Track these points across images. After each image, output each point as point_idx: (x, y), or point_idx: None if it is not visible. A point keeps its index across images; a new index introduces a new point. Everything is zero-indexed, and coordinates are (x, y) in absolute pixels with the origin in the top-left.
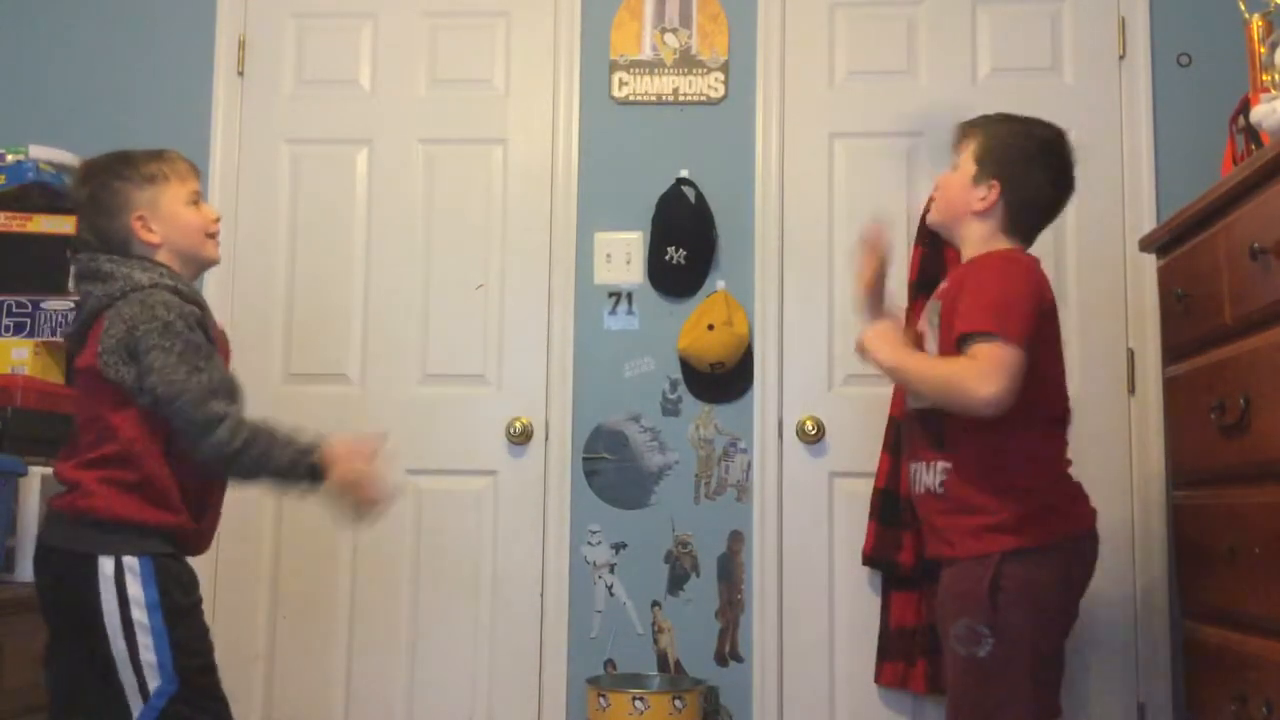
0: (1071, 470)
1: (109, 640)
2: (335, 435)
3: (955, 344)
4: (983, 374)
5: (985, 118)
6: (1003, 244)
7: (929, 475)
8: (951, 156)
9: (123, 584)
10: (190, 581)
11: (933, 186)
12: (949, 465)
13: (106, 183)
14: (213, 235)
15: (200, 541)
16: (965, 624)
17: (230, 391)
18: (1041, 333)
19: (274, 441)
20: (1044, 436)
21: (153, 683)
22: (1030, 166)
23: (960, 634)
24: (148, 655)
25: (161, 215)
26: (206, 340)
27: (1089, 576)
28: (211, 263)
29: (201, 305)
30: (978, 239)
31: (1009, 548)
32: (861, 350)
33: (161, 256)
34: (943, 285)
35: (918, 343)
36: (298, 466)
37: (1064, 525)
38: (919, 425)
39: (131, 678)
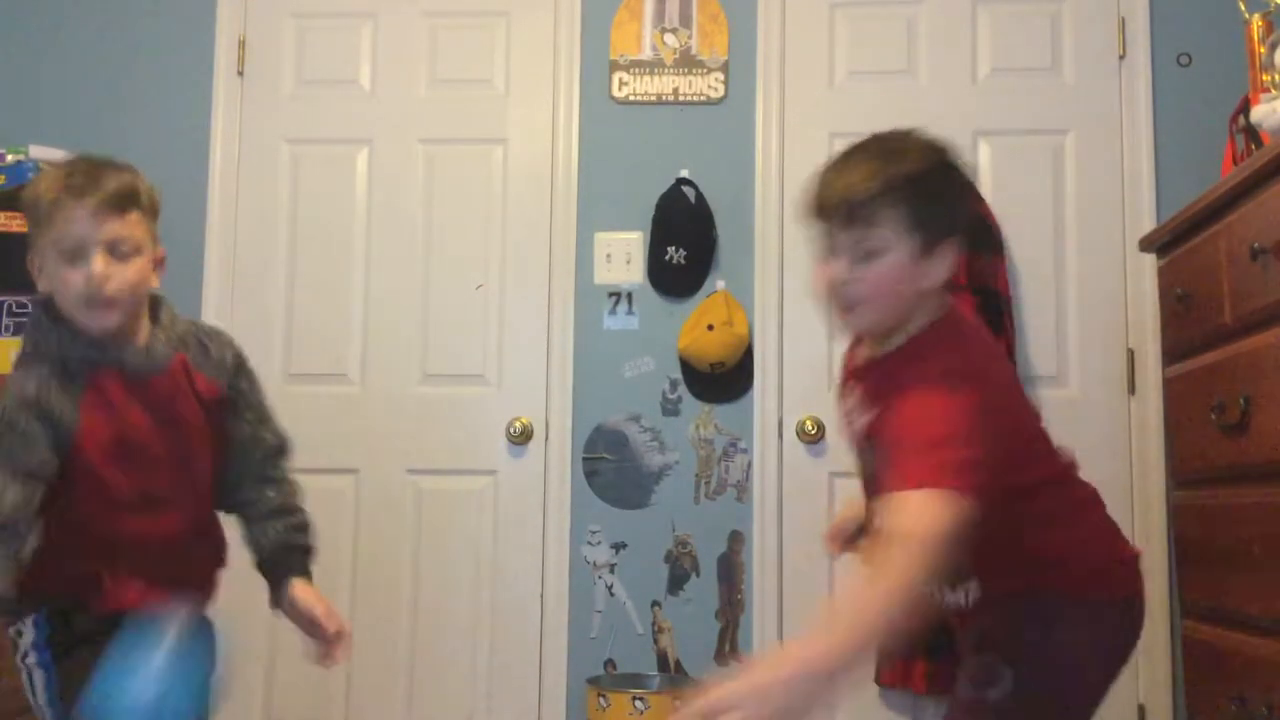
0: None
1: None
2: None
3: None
4: (913, 533)
5: (866, 170)
6: (933, 298)
7: (954, 596)
8: (846, 239)
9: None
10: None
11: (826, 286)
12: (975, 583)
13: (26, 200)
14: (97, 303)
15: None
16: (983, 660)
17: (19, 474)
18: (990, 404)
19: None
20: (1053, 499)
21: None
22: (963, 200)
23: (974, 671)
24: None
25: (44, 266)
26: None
27: (1133, 648)
28: (96, 331)
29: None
30: (921, 315)
31: (1057, 591)
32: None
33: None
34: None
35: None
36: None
37: (1112, 586)
38: None
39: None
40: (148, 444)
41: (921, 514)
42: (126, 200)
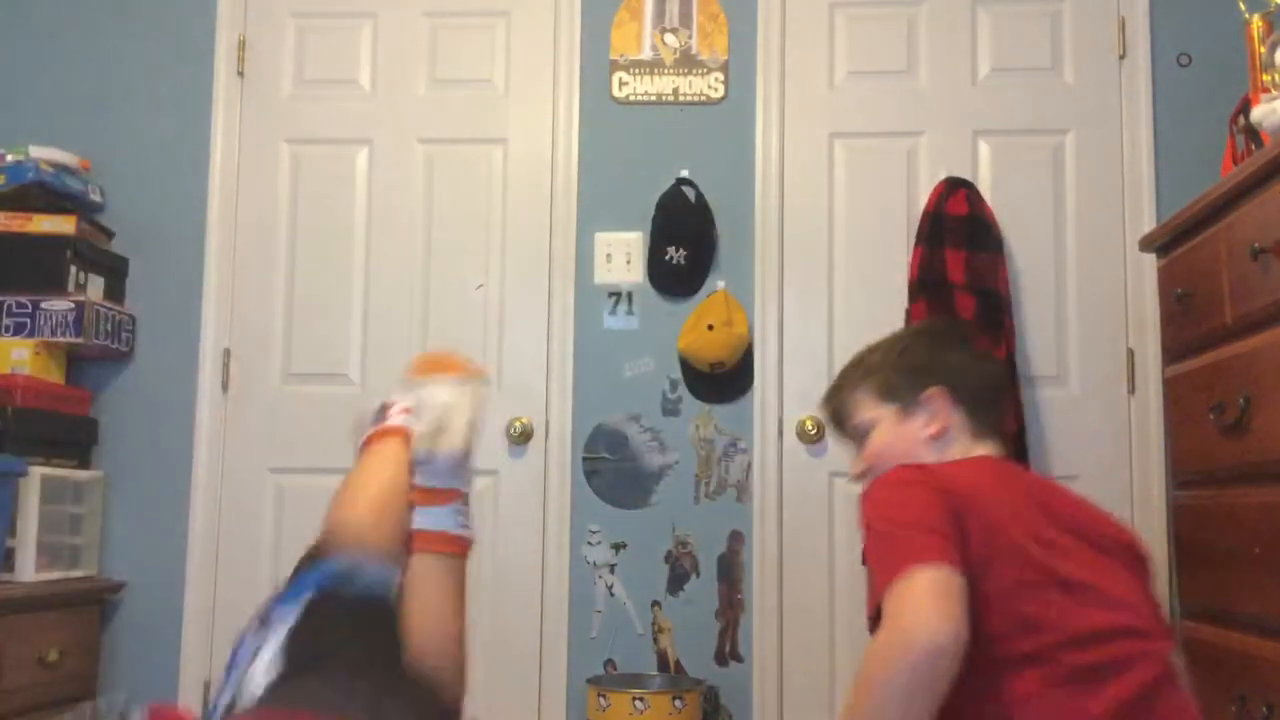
0: (1074, 478)
1: None
2: None
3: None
4: (898, 625)
5: (846, 376)
6: (981, 450)
7: None
8: (853, 445)
9: None
10: None
11: (856, 479)
12: None
13: None
14: None
15: None
16: None
17: None
18: (973, 539)
19: None
20: (1041, 696)
21: None
22: (940, 349)
23: None
24: None
25: None
26: None
27: None
28: None
29: None
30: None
31: None
32: None
33: None
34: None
35: None
36: None
37: None
38: None
39: None
40: None
41: (893, 599)
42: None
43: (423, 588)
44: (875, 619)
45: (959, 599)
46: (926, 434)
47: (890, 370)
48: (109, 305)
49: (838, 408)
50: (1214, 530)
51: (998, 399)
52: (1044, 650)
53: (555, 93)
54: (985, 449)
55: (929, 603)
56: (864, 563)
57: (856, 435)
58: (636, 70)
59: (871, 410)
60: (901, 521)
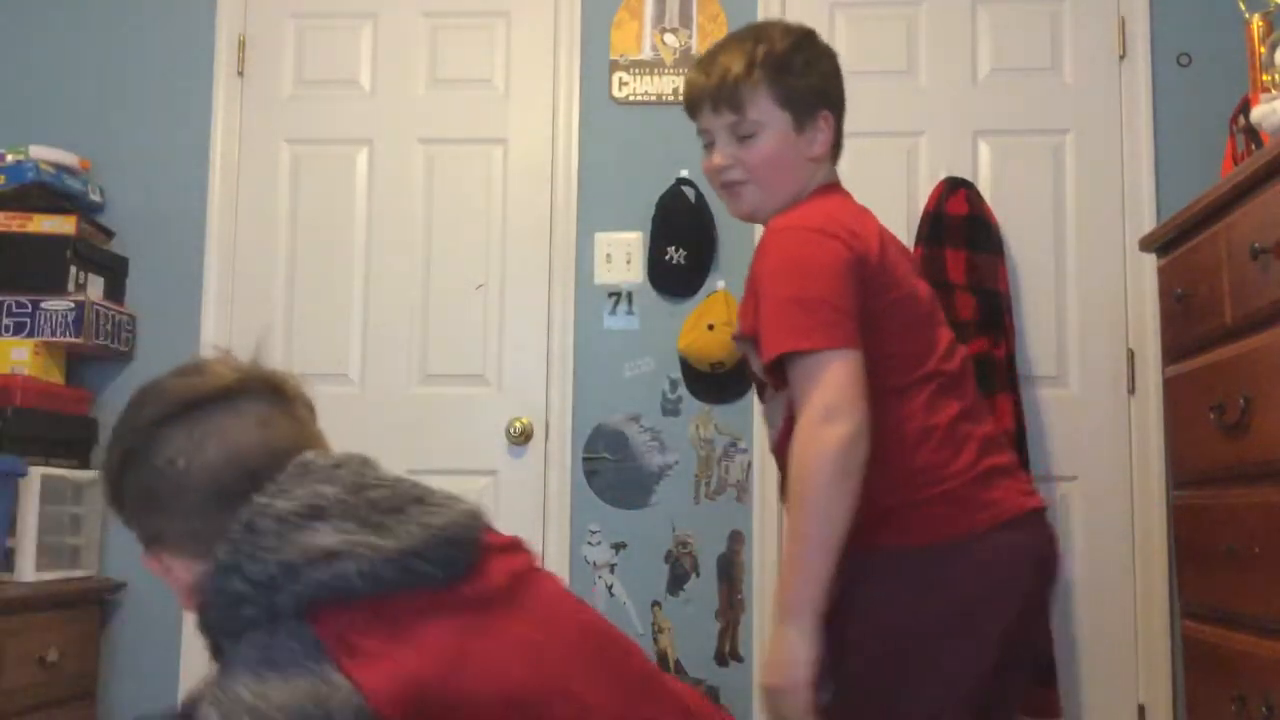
0: (1074, 478)
1: None
2: None
3: (767, 371)
4: (815, 423)
5: (735, 54)
6: (817, 173)
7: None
8: (721, 124)
9: None
10: None
11: (716, 172)
12: None
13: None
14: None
15: None
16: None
17: None
18: (868, 285)
19: None
20: (914, 404)
21: None
22: (836, 77)
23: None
24: None
25: None
26: None
27: (1018, 592)
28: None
29: None
30: (803, 182)
31: (878, 547)
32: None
33: None
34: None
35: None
36: None
37: (961, 519)
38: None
39: None
40: None
41: (828, 390)
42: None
43: None
44: (742, 339)
45: (864, 380)
46: (811, 153)
47: (796, 80)
48: (109, 305)
49: (729, 91)
50: (1214, 530)
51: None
52: (931, 372)
53: (555, 93)
54: (835, 175)
55: (851, 389)
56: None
57: (737, 129)
58: (636, 70)
59: (767, 113)
60: (816, 295)
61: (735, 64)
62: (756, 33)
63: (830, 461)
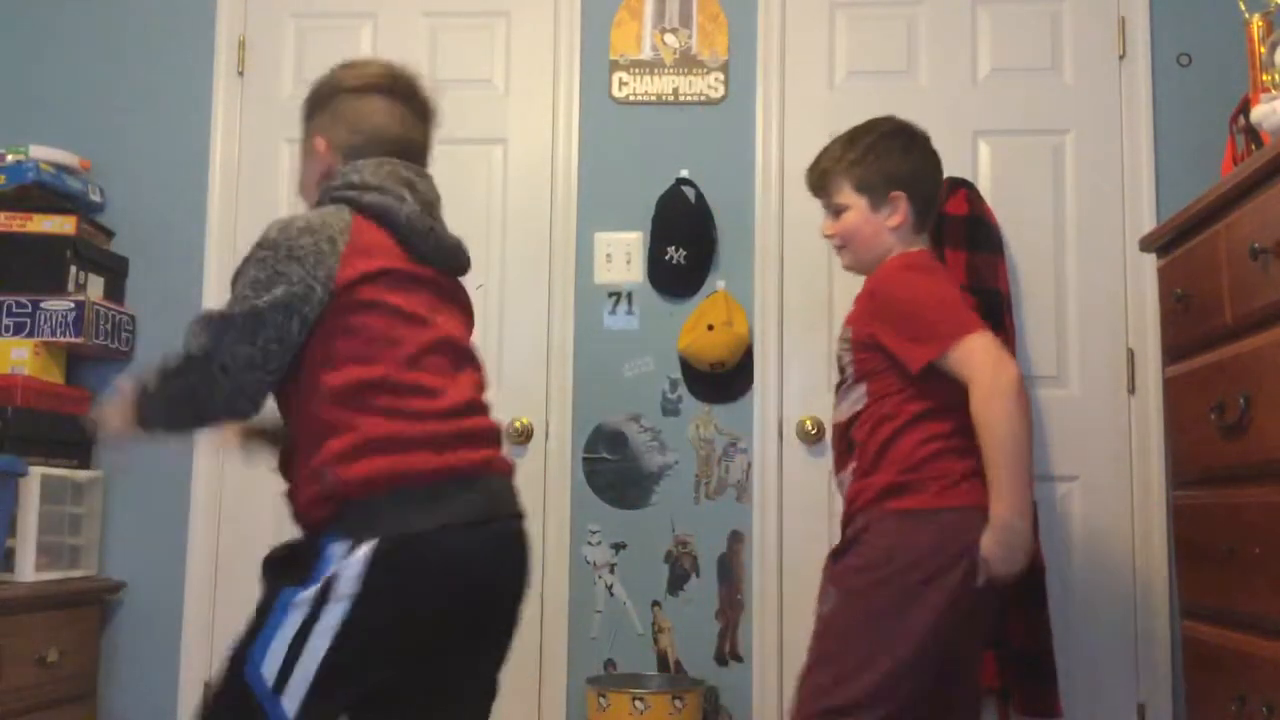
0: (1074, 478)
1: None
2: None
3: (919, 376)
4: (993, 372)
5: (829, 154)
6: (904, 244)
7: (843, 475)
8: (823, 206)
9: None
10: None
11: (827, 238)
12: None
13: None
14: None
15: None
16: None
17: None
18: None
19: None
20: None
21: None
22: (911, 162)
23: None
24: None
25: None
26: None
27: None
28: None
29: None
30: (887, 251)
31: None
32: None
33: None
34: (850, 312)
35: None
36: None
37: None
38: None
39: None
40: None
41: (985, 357)
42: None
43: None
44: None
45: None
46: (889, 225)
47: (867, 169)
48: (109, 305)
49: (820, 183)
50: (1214, 530)
51: (934, 202)
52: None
53: (555, 93)
54: (921, 243)
55: (1003, 352)
56: (865, 324)
57: (830, 209)
58: (636, 70)
59: (848, 197)
60: (941, 298)
61: (825, 160)
62: (852, 132)
63: (1017, 395)
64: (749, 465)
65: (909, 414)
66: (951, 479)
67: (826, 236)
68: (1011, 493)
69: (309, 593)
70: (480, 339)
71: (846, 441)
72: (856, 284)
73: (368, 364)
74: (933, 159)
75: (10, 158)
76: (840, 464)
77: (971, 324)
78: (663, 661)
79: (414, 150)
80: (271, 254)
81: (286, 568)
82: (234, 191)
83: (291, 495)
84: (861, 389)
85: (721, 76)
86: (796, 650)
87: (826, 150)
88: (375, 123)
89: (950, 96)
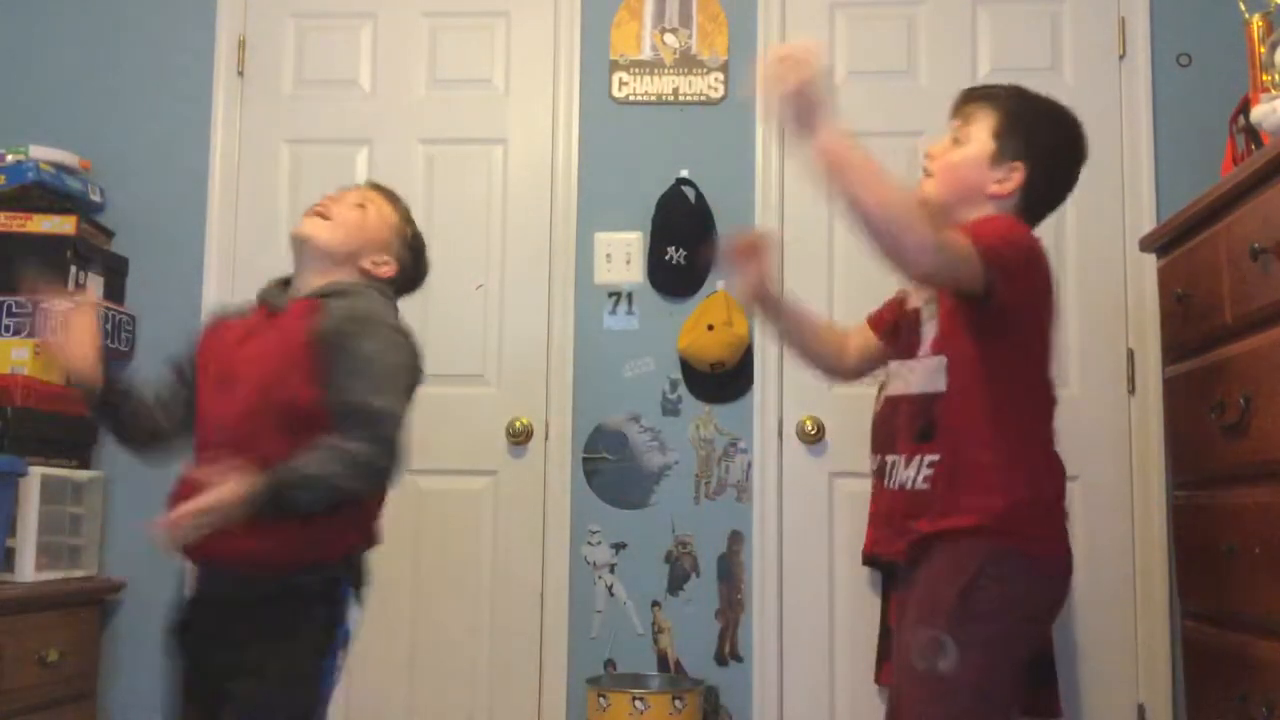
0: (1074, 479)
1: None
2: None
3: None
4: (941, 238)
5: (1003, 88)
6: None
7: (909, 470)
8: (952, 125)
9: None
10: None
11: (924, 156)
12: (936, 459)
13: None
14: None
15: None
16: (926, 633)
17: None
18: (1044, 304)
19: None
20: (1040, 421)
21: None
22: (1058, 156)
23: (921, 644)
24: None
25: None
26: None
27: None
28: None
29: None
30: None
31: (996, 549)
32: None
33: None
34: None
35: (911, 323)
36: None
37: (1052, 534)
38: (902, 414)
39: None
40: None
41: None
42: None
43: None
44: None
45: (969, 262)
46: (993, 188)
47: (1019, 123)
48: (109, 305)
49: (971, 102)
50: (1214, 530)
51: (1045, 215)
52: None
53: (555, 93)
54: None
55: (958, 249)
56: (988, 255)
57: (958, 129)
58: (636, 70)
59: (981, 132)
60: (1026, 244)
61: (987, 87)
62: (1029, 89)
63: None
64: (749, 465)
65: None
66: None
67: (927, 156)
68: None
69: None
70: (480, 339)
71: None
72: (856, 283)
73: None
74: (1074, 171)
75: (10, 158)
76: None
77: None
78: (663, 661)
79: None
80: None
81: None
82: (234, 191)
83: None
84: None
85: (721, 76)
86: (796, 650)
87: (998, 85)
88: None
89: (950, 96)
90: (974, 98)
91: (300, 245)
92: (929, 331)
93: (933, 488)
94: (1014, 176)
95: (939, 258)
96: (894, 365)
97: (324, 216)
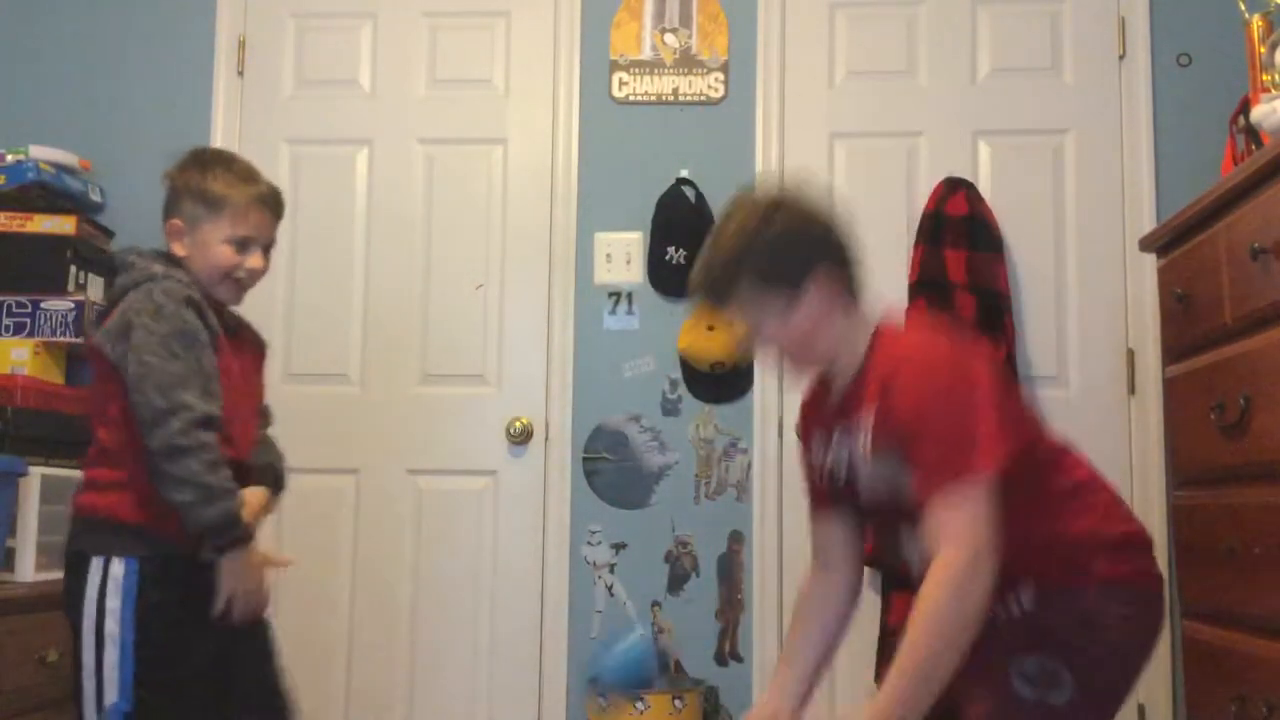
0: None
1: (80, 645)
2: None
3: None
4: (973, 554)
5: (708, 265)
6: (852, 315)
7: (1010, 608)
8: (735, 320)
9: (104, 589)
10: (185, 587)
11: (761, 354)
12: (1025, 586)
13: (176, 176)
14: (235, 279)
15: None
16: (1037, 662)
17: (208, 390)
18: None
19: (223, 486)
20: (1055, 473)
21: (109, 698)
22: (808, 240)
23: (1030, 673)
24: (110, 670)
25: (195, 238)
26: (201, 338)
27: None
28: (222, 302)
29: (205, 311)
30: (841, 333)
31: (1100, 578)
32: None
33: (191, 266)
34: (856, 397)
35: (834, 471)
36: (225, 528)
37: (1140, 565)
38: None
39: (92, 689)
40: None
41: (958, 528)
42: (282, 210)
43: None
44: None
45: (995, 507)
46: (827, 309)
47: (763, 254)
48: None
49: (718, 302)
50: (1214, 530)
51: (855, 254)
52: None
53: (555, 93)
54: (864, 304)
55: (990, 524)
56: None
57: (734, 317)
58: (636, 70)
59: (759, 305)
60: (975, 397)
61: (718, 278)
62: (721, 227)
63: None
64: (749, 465)
65: None
66: None
67: (765, 344)
68: (912, 681)
69: None
70: (480, 339)
71: None
72: None
73: None
74: (831, 234)
75: (10, 158)
76: None
77: (988, 457)
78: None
79: None
80: None
81: None
82: None
83: None
84: None
85: (721, 76)
86: None
87: (705, 263)
88: None
89: (950, 96)
90: (716, 288)
91: None
92: (875, 471)
93: (1028, 610)
94: (817, 290)
95: (989, 561)
96: (881, 531)
97: None
